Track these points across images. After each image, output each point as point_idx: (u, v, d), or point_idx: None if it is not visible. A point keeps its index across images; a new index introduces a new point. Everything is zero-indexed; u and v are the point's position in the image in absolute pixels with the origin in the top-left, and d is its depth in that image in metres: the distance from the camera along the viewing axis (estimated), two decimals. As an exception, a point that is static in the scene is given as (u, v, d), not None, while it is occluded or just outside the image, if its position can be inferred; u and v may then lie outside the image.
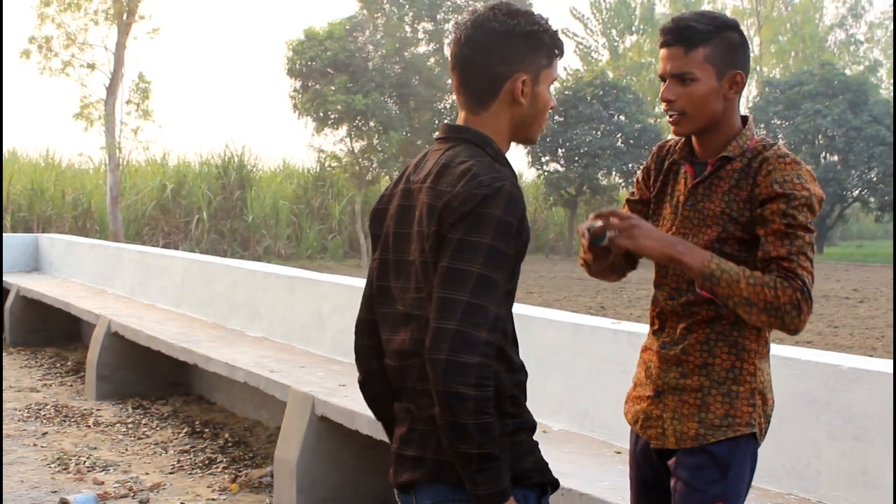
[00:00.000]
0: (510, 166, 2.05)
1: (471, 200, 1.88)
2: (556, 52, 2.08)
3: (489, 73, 2.03)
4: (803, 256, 2.22)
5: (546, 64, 2.06)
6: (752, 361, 2.33)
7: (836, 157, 34.68)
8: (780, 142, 2.73)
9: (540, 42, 2.04)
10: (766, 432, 2.38)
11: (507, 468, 1.91)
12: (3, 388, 7.40)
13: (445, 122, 2.10)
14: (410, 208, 2.03)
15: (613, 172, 33.50)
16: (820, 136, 34.56)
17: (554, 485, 2.12)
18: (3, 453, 5.70)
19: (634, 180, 2.57)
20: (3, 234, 11.35)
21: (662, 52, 2.35)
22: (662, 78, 2.37)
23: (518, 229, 1.91)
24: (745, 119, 2.39)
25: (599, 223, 2.29)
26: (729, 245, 2.30)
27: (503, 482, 1.88)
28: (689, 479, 2.32)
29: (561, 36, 2.12)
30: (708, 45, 2.29)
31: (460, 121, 2.09)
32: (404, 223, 2.04)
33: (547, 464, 2.09)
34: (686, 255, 2.25)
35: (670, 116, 2.35)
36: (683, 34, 2.30)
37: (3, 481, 5.21)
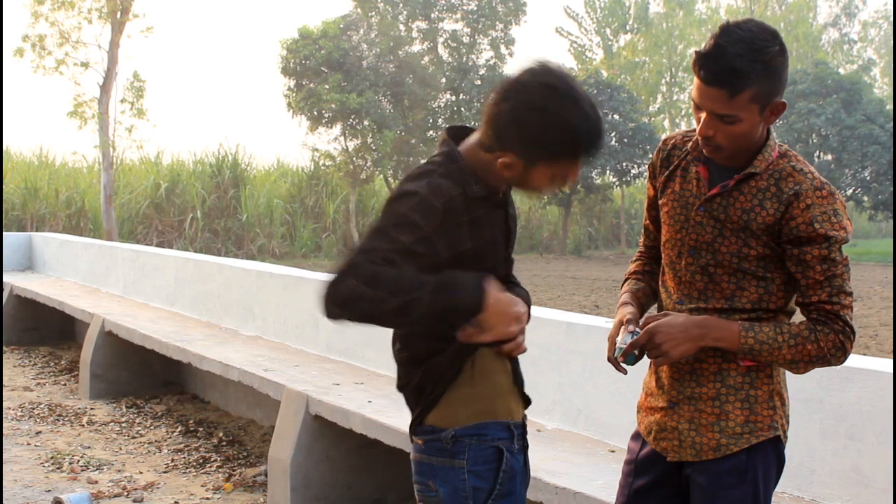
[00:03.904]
0: (477, 182, 2.05)
1: (391, 196, 2.06)
2: (569, 155, 2.02)
3: (487, 134, 2.03)
4: (843, 294, 2.19)
5: (544, 158, 2.01)
6: None
7: (829, 156, 34.76)
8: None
9: (544, 142, 1.98)
10: (787, 432, 2.32)
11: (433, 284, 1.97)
12: (-3, 387, 7.38)
13: (448, 125, 2.15)
14: None
15: (608, 171, 33.57)
16: (814, 135, 34.62)
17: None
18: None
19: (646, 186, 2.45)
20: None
21: (700, 85, 2.14)
22: (698, 107, 2.19)
23: (428, 230, 1.98)
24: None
25: (629, 346, 2.27)
26: (748, 262, 2.23)
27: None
28: (707, 486, 2.26)
29: (590, 136, 2.00)
30: (754, 84, 2.09)
31: (475, 134, 2.11)
32: None
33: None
34: (721, 340, 2.21)
35: (706, 146, 2.23)
36: (727, 78, 2.09)
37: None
